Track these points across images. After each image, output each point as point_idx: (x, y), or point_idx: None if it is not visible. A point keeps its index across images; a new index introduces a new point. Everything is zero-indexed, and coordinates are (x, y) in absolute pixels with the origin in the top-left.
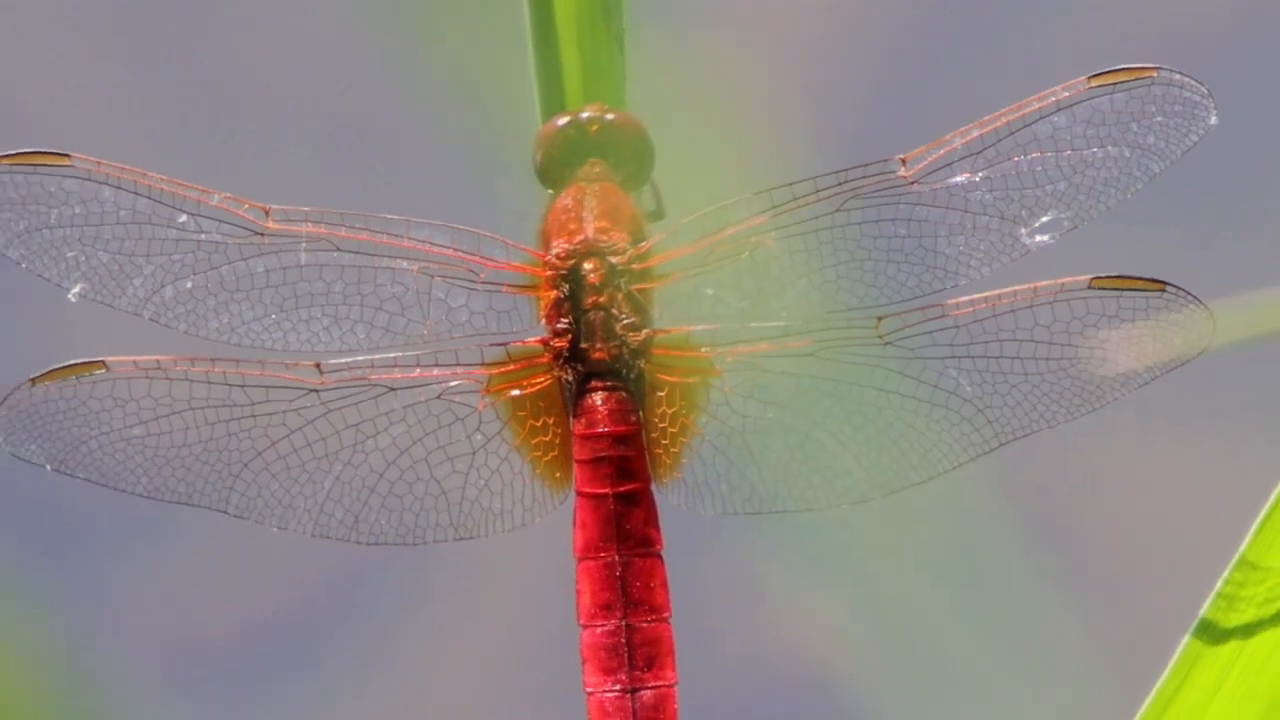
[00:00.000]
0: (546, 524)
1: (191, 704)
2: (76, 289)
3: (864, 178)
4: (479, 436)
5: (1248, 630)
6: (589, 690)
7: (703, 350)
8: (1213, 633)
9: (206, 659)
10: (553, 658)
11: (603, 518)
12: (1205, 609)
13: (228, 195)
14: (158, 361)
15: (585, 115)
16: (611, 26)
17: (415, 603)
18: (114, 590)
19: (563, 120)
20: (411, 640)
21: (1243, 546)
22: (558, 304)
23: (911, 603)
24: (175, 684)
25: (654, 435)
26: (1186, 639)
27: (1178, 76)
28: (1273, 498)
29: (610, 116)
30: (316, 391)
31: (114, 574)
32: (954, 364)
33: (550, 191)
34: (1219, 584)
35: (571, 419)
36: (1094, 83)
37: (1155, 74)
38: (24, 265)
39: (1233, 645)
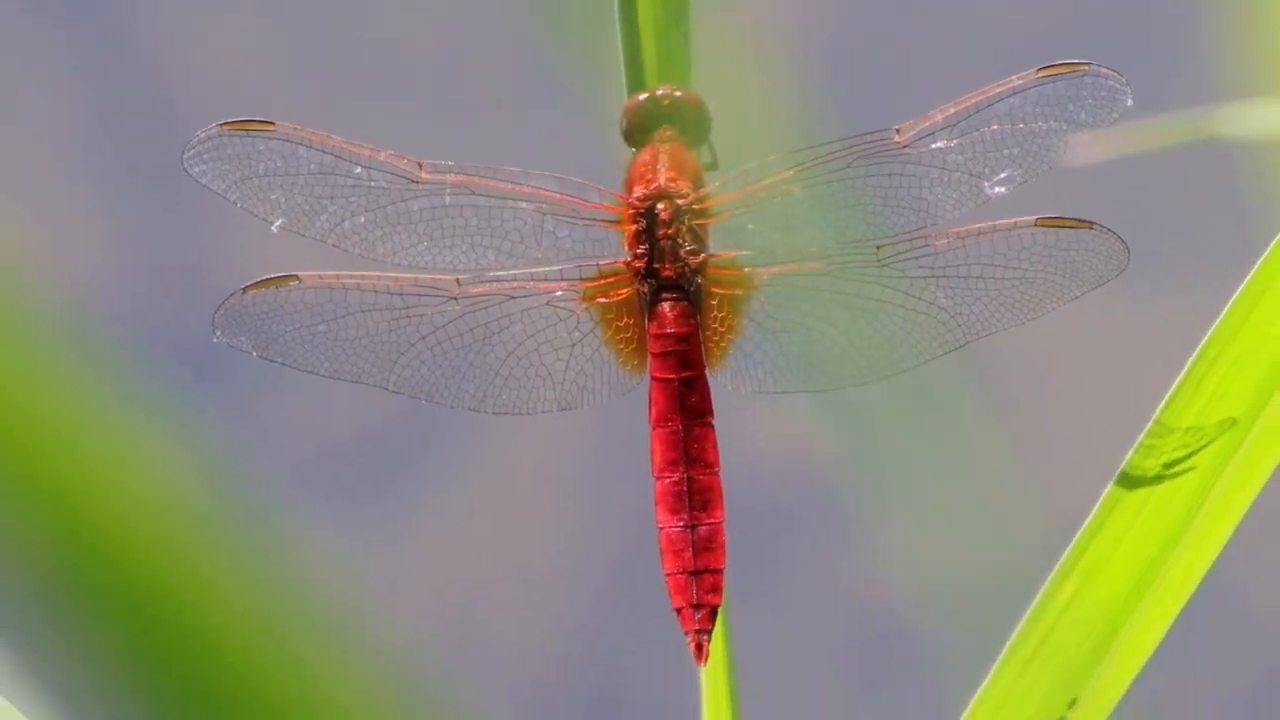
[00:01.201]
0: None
1: (319, 497)
2: (278, 222)
3: (868, 142)
4: (577, 333)
5: (1156, 479)
6: (660, 526)
7: (745, 270)
8: (1129, 481)
9: (329, 464)
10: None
11: (670, 396)
12: (1125, 462)
13: (392, 152)
14: (338, 275)
15: (659, 93)
16: (680, 28)
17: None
18: (254, 412)
19: (642, 96)
20: (497, 458)
21: (1157, 411)
22: (637, 235)
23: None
24: (304, 483)
25: (708, 334)
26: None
27: (1104, 70)
28: (1185, 368)
29: (678, 93)
30: (456, 299)
31: (254, 399)
32: (933, 281)
33: (632, 150)
34: (1137, 441)
35: (646, 321)
36: (1041, 73)
37: (1088, 68)
38: (239, 204)
39: (1144, 491)
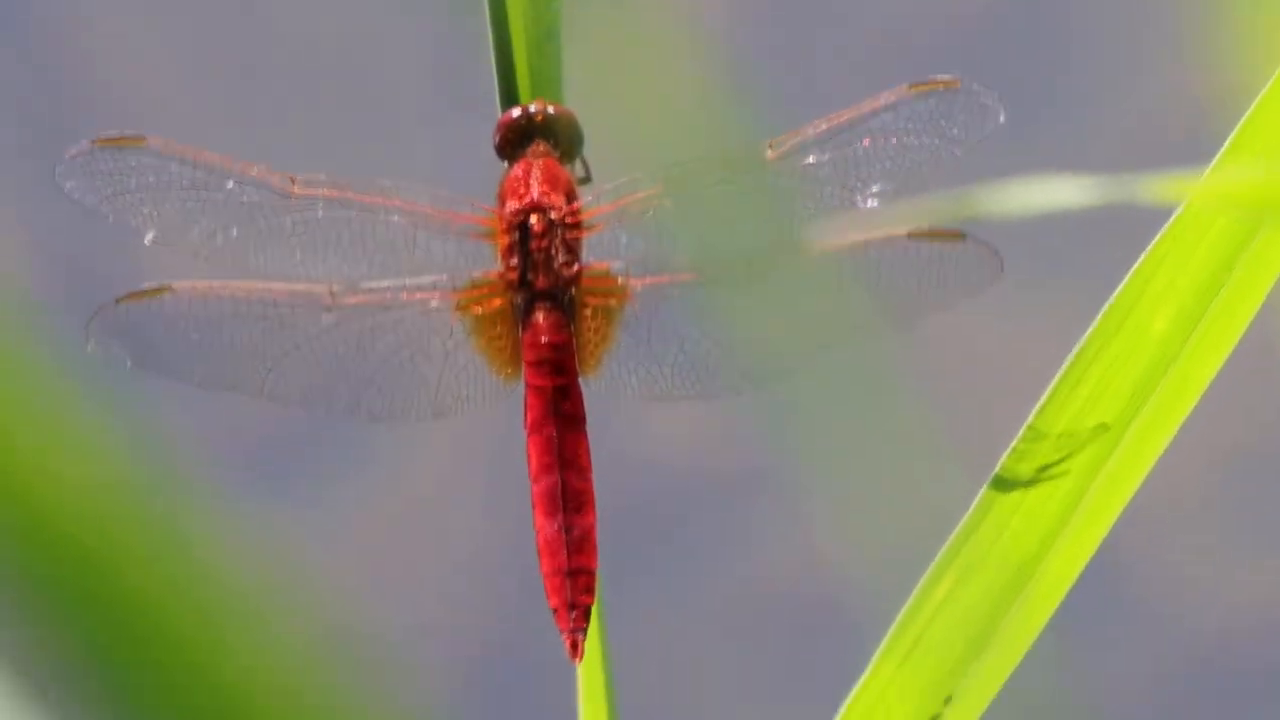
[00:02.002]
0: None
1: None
2: (150, 235)
3: (739, 157)
4: (451, 342)
5: (1029, 483)
6: (537, 528)
7: (618, 280)
8: (1003, 484)
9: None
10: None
11: (543, 403)
12: (999, 466)
13: (264, 167)
14: (211, 285)
15: (532, 108)
16: (553, 42)
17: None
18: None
19: (516, 111)
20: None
21: (1030, 417)
22: (510, 247)
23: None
24: (241, 464)
25: (582, 343)
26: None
27: (976, 87)
28: (1059, 374)
29: (551, 109)
30: (330, 309)
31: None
32: (805, 292)
33: (505, 163)
34: (1011, 445)
35: (521, 331)
36: (913, 90)
37: (959, 85)
38: (111, 219)
39: (1017, 494)
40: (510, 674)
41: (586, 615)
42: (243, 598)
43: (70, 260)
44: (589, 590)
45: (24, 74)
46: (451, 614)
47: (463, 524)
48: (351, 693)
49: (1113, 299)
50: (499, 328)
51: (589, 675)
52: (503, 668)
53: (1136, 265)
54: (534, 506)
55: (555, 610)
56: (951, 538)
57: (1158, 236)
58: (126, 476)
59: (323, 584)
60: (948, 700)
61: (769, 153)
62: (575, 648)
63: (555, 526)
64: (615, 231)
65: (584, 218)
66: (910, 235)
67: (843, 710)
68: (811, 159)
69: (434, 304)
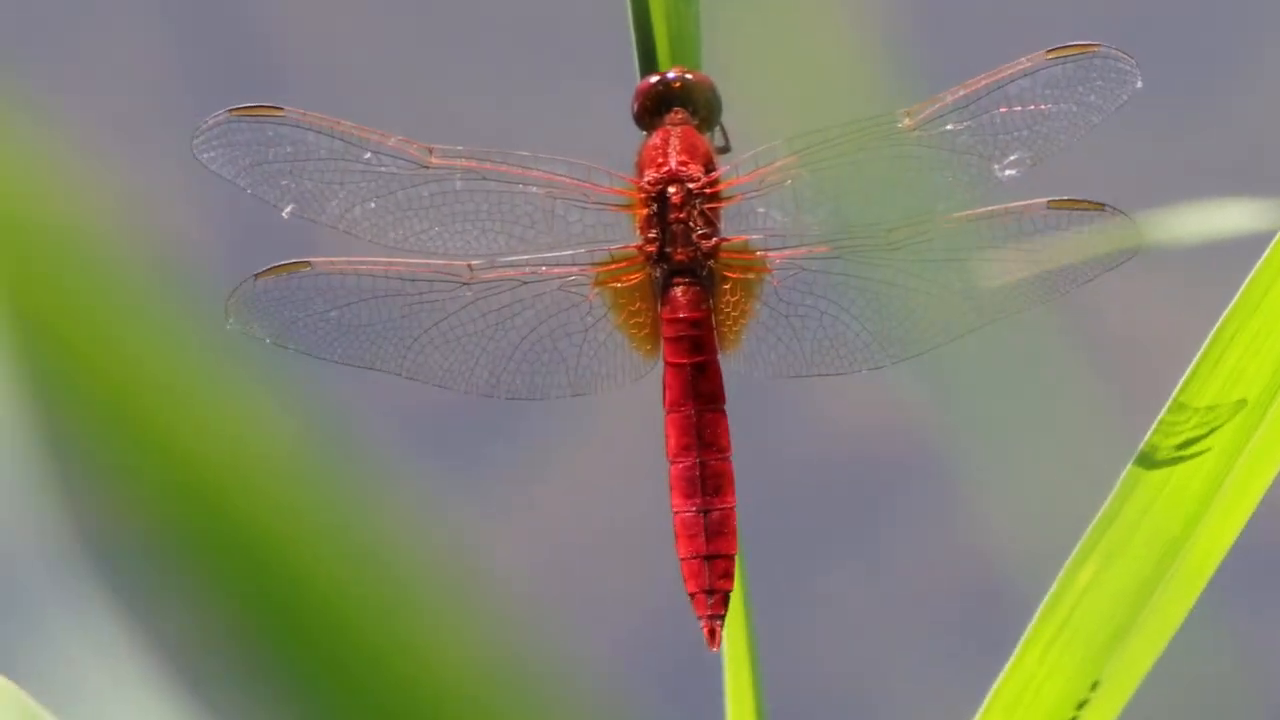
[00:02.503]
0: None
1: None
2: (288, 209)
3: (878, 125)
4: (589, 318)
5: (1175, 459)
6: (674, 510)
7: (756, 253)
8: (1148, 461)
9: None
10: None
11: (682, 381)
12: (1144, 442)
13: (401, 137)
14: (349, 261)
15: (671, 75)
16: (692, 7)
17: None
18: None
19: (654, 79)
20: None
21: (1175, 390)
22: (648, 219)
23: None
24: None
25: (721, 318)
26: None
27: (1114, 51)
28: (1204, 346)
29: (690, 76)
30: (468, 284)
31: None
32: (945, 264)
33: (644, 133)
34: (1157, 420)
35: (659, 306)
36: (1050, 55)
37: (1098, 49)
38: (249, 191)
39: (1163, 471)
40: (658, 660)
41: (725, 601)
42: (404, 574)
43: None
44: (727, 575)
45: (191, 42)
46: (600, 592)
47: (608, 502)
48: (508, 684)
49: (1253, 271)
50: (638, 303)
51: (734, 665)
52: (650, 652)
53: (1277, 237)
54: (671, 488)
55: (692, 596)
56: (1095, 520)
57: None
58: (292, 452)
59: (467, 566)
60: (1095, 685)
61: (906, 120)
62: (713, 635)
63: (694, 509)
64: (753, 203)
65: (722, 188)
66: (1050, 205)
67: (990, 694)
68: (949, 126)
69: (572, 278)
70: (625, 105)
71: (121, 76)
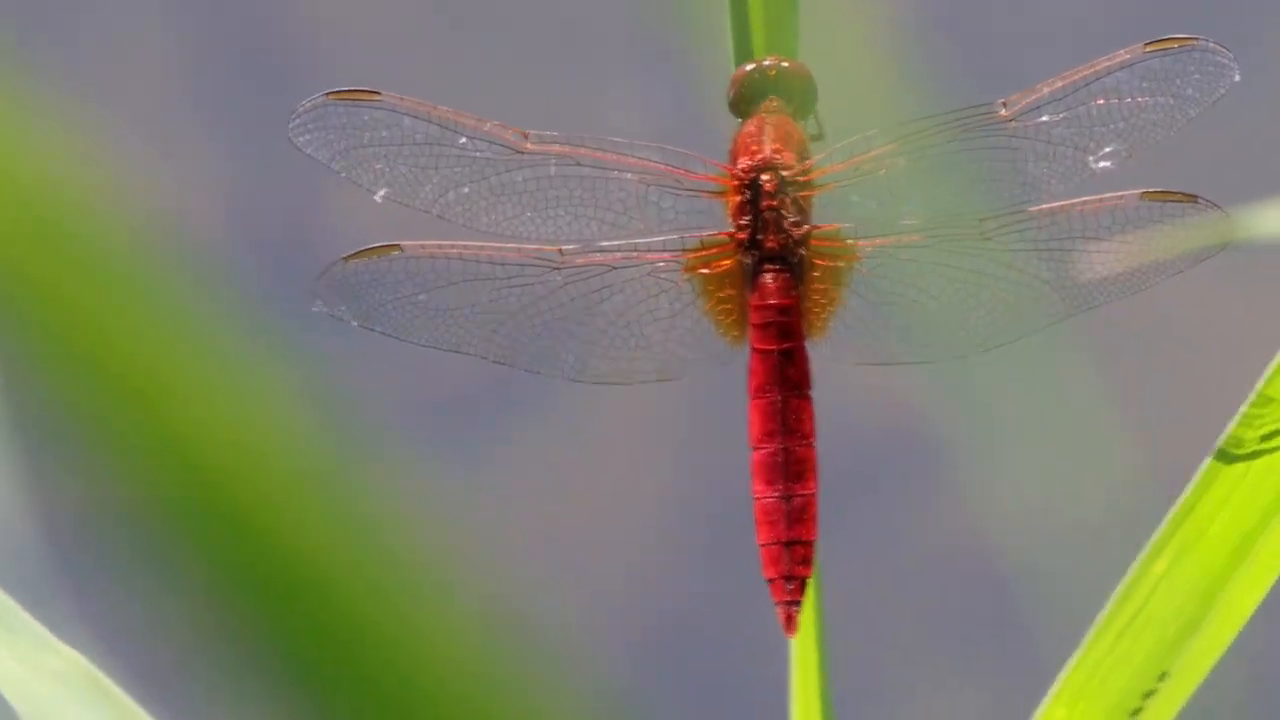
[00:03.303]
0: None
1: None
2: (382, 192)
3: (973, 116)
4: (678, 304)
5: (1255, 453)
6: (756, 496)
7: (848, 242)
8: (1227, 456)
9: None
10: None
11: (769, 367)
12: (1223, 436)
13: (496, 122)
14: (440, 245)
15: (766, 63)
16: None
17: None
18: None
19: (749, 66)
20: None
21: (1260, 382)
22: (741, 206)
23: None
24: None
25: (809, 305)
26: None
27: (1212, 45)
28: None
29: (785, 64)
30: (558, 269)
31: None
32: (1036, 255)
33: (739, 120)
34: (1237, 413)
35: (748, 292)
36: (1149, 48)
37: (1196, 43)
38: (343, 174)
39: (1242, 466)
40: (705, 650)
41: (803, 588)
42: (421, 564)
43: (282, 209)
44: (806, 562)
45: (242, 27)
46: (643, 584)
47: (652, 488)
48: (534, 667)
49: None
50: (727, 289)
51: (803, 650)
52: (693, 643)
53: None
54: (753, 474)
55: (771, 581)
56: (1172, 511)
57: None
58: (301, 433)
59: (503, 550)
60: (1163, 676)
61: (1003, 111)
62: (790, 621)
63: (775, 495)
64: (847, 191)
65: (815, 176)
66: (1143, 196)
67: (1058, 683)
68: (1045, 118)
69: (663, 264)
70: (721, 95)
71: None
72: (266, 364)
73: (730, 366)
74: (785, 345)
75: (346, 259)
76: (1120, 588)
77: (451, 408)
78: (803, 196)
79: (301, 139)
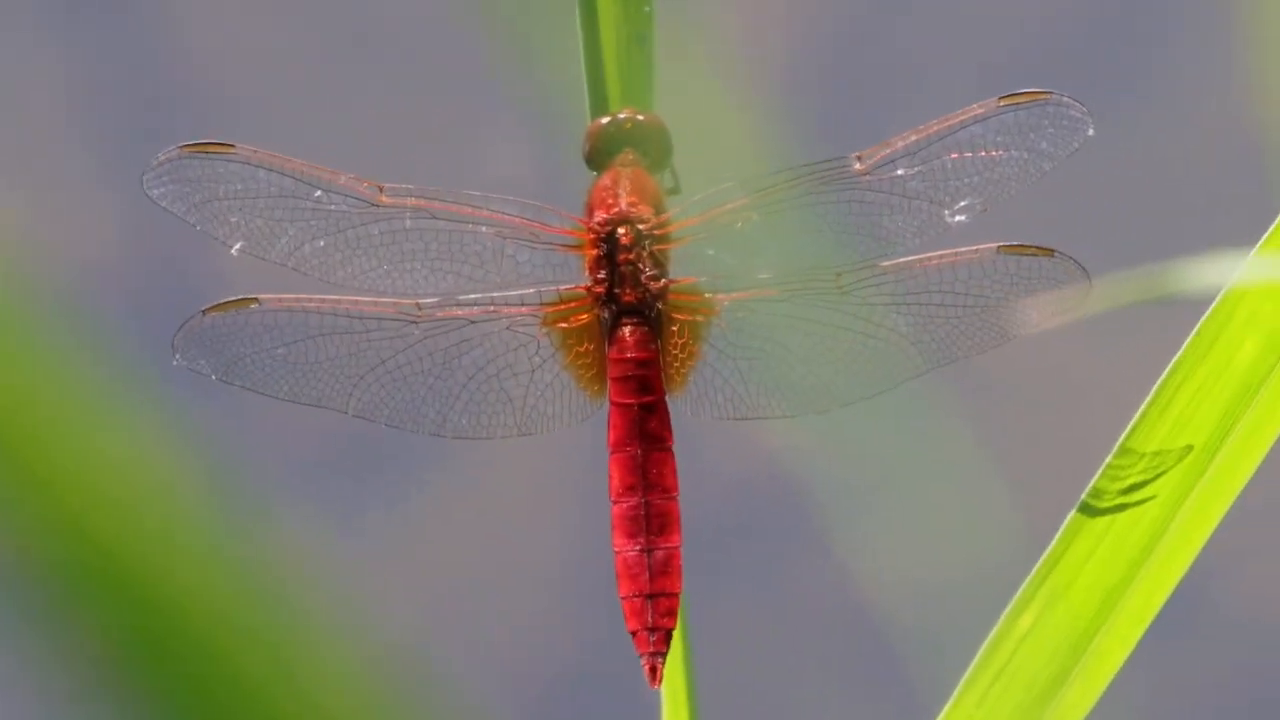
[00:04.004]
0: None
1: (317, 491)
2: (237, 245)
3: (828, 169)
4: (537, 358)
5: (1119, 506)
6: (616, 550)
7: (705, 296)
8: (1091, 509)
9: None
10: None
11: (629, 421)
12: (1088, 490)
13: (351, 175)
14: (298, 298)
15: (621, 116)
16: (644, 47)
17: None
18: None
19: (604, 119)
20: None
21: (1121, 437)
22: (598, 260)
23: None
24: (300, 478)
25: (668, 360)
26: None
27: (1065, 99)
28: (1150, 394)
29: (640, 117)
30: (416, 323)
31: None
32: (894, 309)
33: (594, 173)
34: (1103, 466)
35: (607, 346)
36: (1003, 102)
37: (1049, 97)
38: (199, 228)
39: (1106, 519)
40: (588, 698)
41: (667, 639)
42: (313, 618)
43: (162, 259)
44: (670, 614)
45: (122, 70)
46: (528, 635)
47: (538, 542)
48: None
49: (1203, 318)
50: (585, 343)
51: (672, 703)
52: (580, 692)
53: (1227, 286)
54: (614, 528)
55: (634, 634)
56: (1037, 565)
57: (1247, 259)
58: (188, 489)
59: (389, 602)
60: None
61: (857, 164)
62: (654, 672)
63: (637, 549)
64: (703, 244)
65: (672, 229)
66: (1000, 250)
67: None
68: (900, 171)
69: (521, 318)
70: (576, 148)
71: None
72: (144, 415)
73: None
74: (645, 399)
75: (205, 311)
76: (988, 641)
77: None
78: (659, 250)
79: (156, 192)
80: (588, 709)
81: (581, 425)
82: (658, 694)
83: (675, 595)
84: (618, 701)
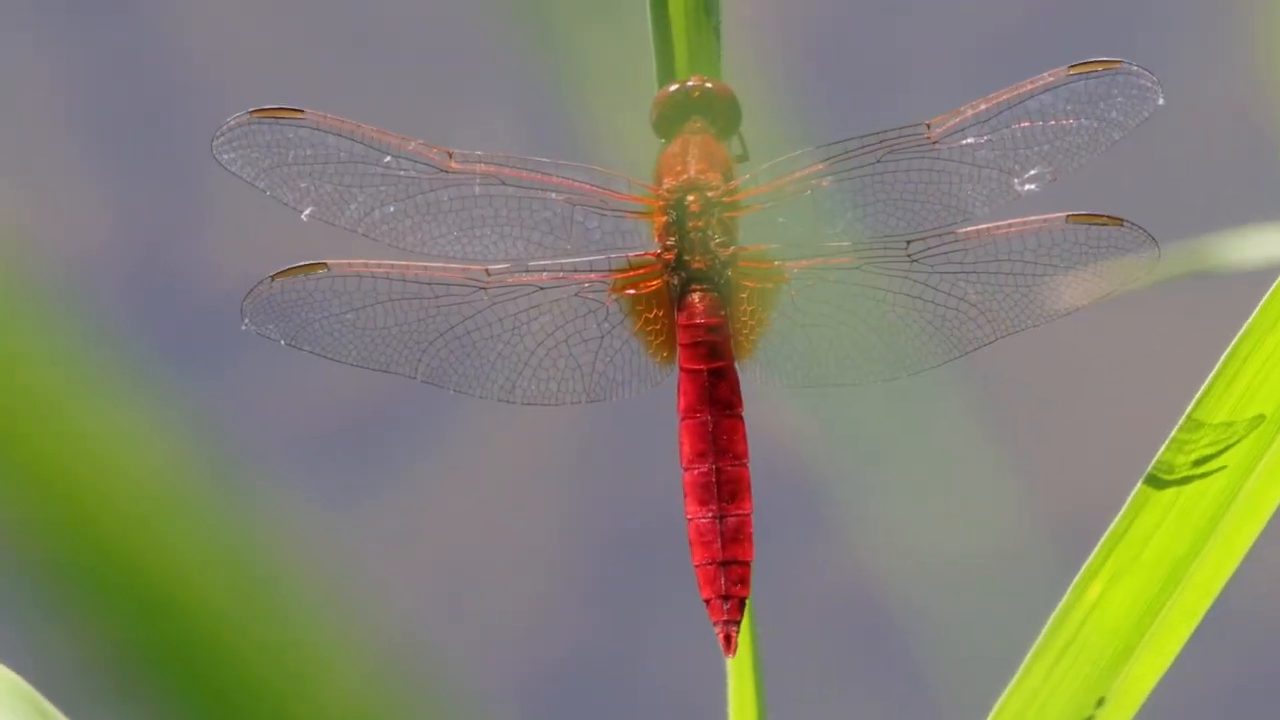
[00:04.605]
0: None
1: (322, 471)
2: (307, 211)
3: (899, 137)
4: (606, 324)
5: (1185, 478)
6: (688, 517)
7: (775, 263)
8: (1158, 481)
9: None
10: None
11: (699, 387)
12: (1154, 462)
13: (421, 141)
14: (366, 264)
15: (690, 83)
16: (711, 18)
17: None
18: (251, 387)
19: (673, 87)
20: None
21: (1190, 407)
22: (667, 226)
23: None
24: (303, 458)
25: (738, 326)
26: (1140, 484)
27: (1135, 68)
28: (1217, 365)
29: (708, 84)
30: (485, 289)
31: (251, 374)
32: (963, 277)
33: (663, 140)
34: (1169, 437)
35: (676, 312)
36: (1073, 71)
37: (1119, 66)
38: (269, 193)
39: (1172, 491)
40: (584, 689)
41: (741, 607)
42: (310, 598)
43: (159, 245)
44: (743, 581)
45: (123, 61)
46: (524, 623)
47: (532, 528)
48: (461, 675)
49: (1271, 290)
50: (655, 310)
51: (739, 673)
52: (576, 683)
53: None
54: (685, 495)
55: (708, 602)
56: (1104, 537)
57: None
58: (185, 472)
59: (398, 581)
60: (1100, 702)
61: (928, 133)
62: (729, 641)
63: (709, 515)
64: (773, 212)
65: (741, 197)
66: (1069, 219)
67: (995, 709)
68: (970, 140)
69: (590, 285)
70: (645, 117)
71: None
72: (146, 397)
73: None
74: (714, 365)
75: (273, 277)
76: (1055, 613)
77: (339, 441)
78: (728, 217)
79: (226, 157)
80: (584, 699)
81: (651, 390)
82: (653, 686)
83: (748, 563)
84: (613, 693)
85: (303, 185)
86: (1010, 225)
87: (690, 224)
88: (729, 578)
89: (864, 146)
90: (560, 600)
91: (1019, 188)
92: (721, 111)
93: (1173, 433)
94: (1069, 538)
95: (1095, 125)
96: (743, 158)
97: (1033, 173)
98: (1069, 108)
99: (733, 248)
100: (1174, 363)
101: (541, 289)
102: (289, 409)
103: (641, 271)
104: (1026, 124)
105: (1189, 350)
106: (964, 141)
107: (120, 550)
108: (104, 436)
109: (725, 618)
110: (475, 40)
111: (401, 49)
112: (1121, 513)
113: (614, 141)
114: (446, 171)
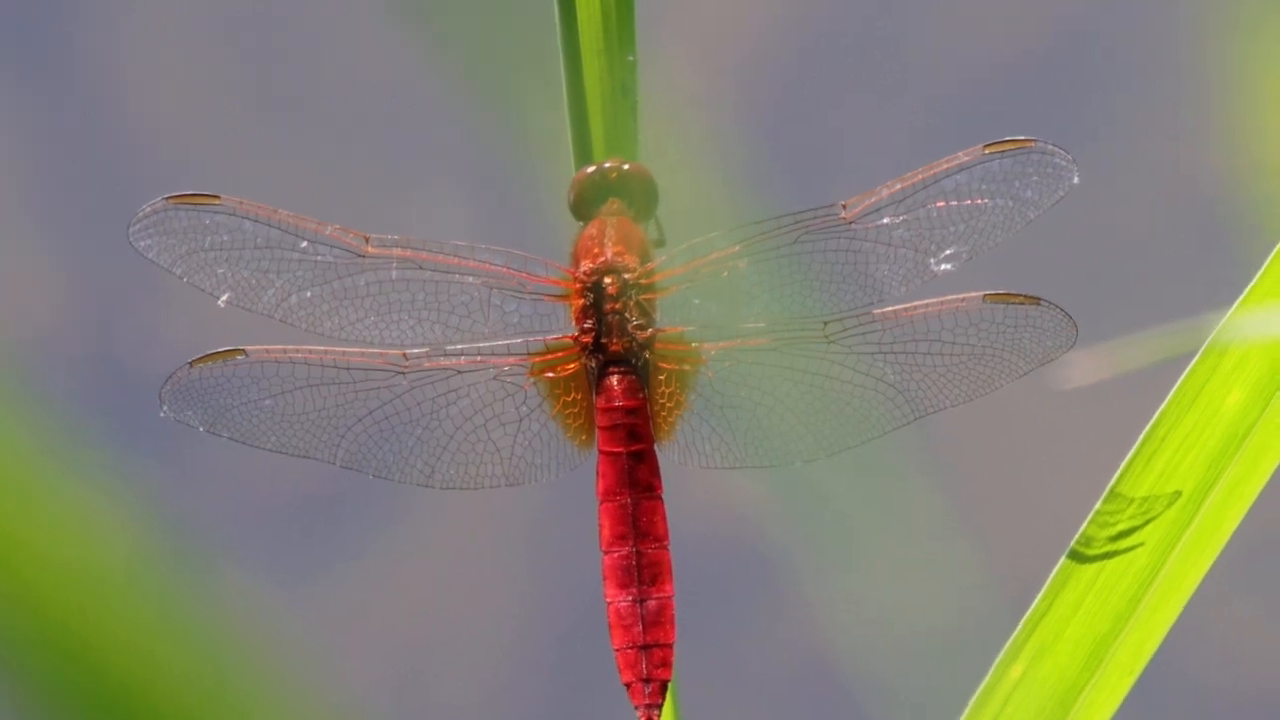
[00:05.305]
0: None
1: (269, 554)
2: (224, 297)
3: (814, 218)
4: (525, 408)
5: (1107, 555)
6: (608, 601)
7: (691, 345)
8: (1080, 558)
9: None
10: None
11: (618, 469)
12: (1075, 540)
13: (337, 226)
14: (284, 349)
15: (607, 165)
16: (629, 98)
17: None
18: (204, 467)
19: (590, 168)
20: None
21: (1111, 481)
22: (584, 309)
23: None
24: (251, 540)
25: (656, 408)
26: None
27: (1050, 147)
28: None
29: (626, 166)
30: (403, 374)
31: (204, 454)
32: (880, 358)
33: (580, 222)
34: (1093, 510)
35: (594, 395)
36: (988, 149)
37: (1034, 144)
38: (185, 279)
39: (1094, 568)
40: None
41: (663, 690)
42: (267, 675)
43: (111, 320)
44: (665, 664)
45: (75, 130)
46: (516, 682)
47: (523, 584)
48: None
49: (1190, 367)
50: (574, 393)
51: None
52: None
53: (1212, 333)
54: (605, 578)
55: (629, 685)
56: (1025, 616)
57: (1231, 310)
58: (138, 553)
59: (350, 656)
60: None
61: (843, 213)
62: None
63: (629, 599)
64: (689, 294)
65: (658, 279)
66: (986, 298)
67: None
68: (886, 219)
69: (508, 368)
70: (563, 198)
71: None
72: (98, 476)
73: (580, 471)
74: (633, 447)
75: (191, 364)
76: (977, 693)
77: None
78: (646, 299)
79: (143, 244)
80: None
81: (570, 474)
82: None
83: (670, 646)
84: None
85: (220, 271)
86: (928, 305)
87: (607, 306)
88: (650, 661)
89: (780, 227)
90: (514, 678)
91: (935, 267)
92: (639, 193)
93: (1096, 505)
94: (1016, 608)
95: (1010, 204)
96: (659, 240)
97: (949, 252)
98: (984, 187)
99: (650, 329)
100: (1102, 437)
101: (459, 373)
102: (243, 486)
103: (559, 355)
104: (941, 204)
105: (1099, 435)
106: (880, 222)
107: (73, 632)
108: (56, 516)
109: (647, 701)
110: (406, 115)
111: (332, 125)
112: (1043, 591)
113: (532, 219)
114: (363, 256)
